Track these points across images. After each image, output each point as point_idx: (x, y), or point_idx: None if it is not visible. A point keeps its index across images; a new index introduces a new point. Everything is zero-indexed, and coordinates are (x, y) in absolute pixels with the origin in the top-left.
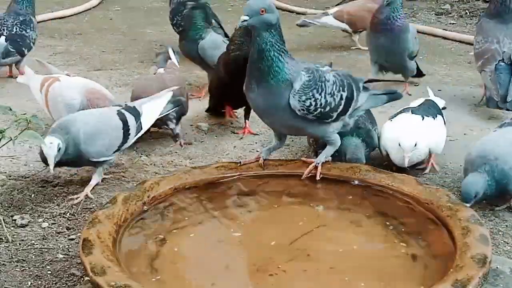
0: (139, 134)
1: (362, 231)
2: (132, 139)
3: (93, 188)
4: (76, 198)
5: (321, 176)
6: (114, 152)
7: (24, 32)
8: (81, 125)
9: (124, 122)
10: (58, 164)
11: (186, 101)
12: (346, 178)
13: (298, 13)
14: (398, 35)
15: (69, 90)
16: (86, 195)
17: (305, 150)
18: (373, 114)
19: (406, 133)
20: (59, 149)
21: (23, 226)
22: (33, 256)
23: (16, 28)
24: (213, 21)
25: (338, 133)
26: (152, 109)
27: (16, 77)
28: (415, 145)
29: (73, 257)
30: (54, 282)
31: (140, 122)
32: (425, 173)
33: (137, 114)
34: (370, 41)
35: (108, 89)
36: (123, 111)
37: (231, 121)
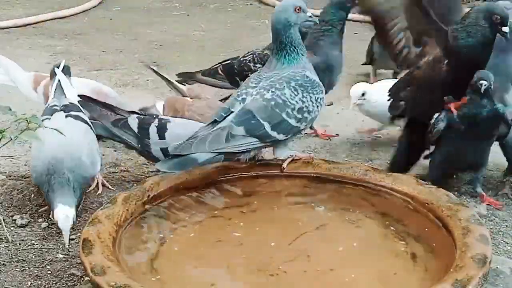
0: None
1: (362, 231)
2: None
3: None
4: None
5: (320, 176)
6: None
7: None
8: None
9: None
10: None
11: None
12: (346, 178)
13: None
14: None
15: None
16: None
17: (305, 150)
18: None
19: None
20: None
21: (23, 226)
22: (33, 256)
23: None
24: None
25: None
26: None
27: None
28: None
29: (73, 257)
30: (54, 282)
31: None
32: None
33: None
34: None
35: None
36: None
37: None
